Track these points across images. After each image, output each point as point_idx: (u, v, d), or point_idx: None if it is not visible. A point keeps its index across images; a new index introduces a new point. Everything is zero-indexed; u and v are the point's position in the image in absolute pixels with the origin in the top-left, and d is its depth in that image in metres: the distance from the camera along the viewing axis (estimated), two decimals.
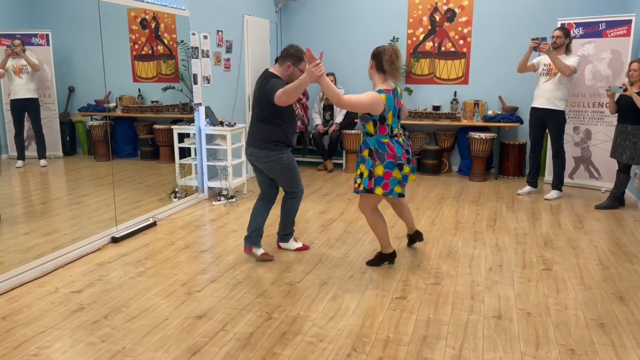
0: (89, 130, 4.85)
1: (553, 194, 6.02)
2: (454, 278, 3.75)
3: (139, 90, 5.43)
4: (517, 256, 4.18)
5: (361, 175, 3.68)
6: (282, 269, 3.90)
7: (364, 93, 3.49)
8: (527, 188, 6.25)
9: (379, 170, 3.57)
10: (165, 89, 5.69)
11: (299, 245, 4.32)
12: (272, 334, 2.95)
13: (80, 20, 4.51)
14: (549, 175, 6.63)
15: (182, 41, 5.61)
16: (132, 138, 5.63)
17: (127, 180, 5.27)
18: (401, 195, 3.66)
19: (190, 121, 5.81)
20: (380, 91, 3.50)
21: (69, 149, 4.74)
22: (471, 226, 4.97)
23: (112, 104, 4.95)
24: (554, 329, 3.01)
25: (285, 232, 4.30)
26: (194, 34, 5.69)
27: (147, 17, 5.28)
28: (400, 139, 3.66)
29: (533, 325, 3.06)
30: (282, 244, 4.34)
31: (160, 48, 5.54)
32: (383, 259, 3.97)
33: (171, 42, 5.60)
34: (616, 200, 5.59)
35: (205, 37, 5.90)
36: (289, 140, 3.93)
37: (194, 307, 3.29)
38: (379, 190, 3.59)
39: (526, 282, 3.68)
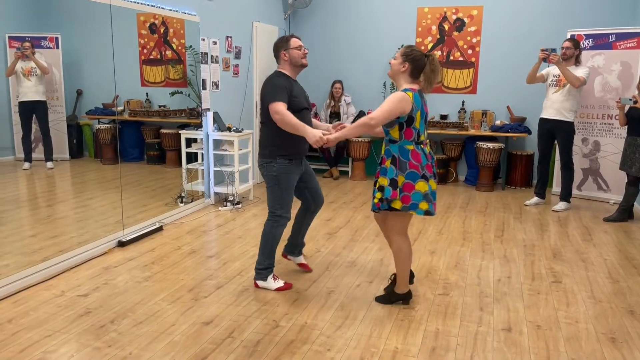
0: (96, 133, 4.85)
1: (561, 205, 5.99)
2: (463, 289, 3.71)
3: (147, 94, 5.42)
4: (525, 268, 4.15)
5: (381, 189, 3.21)
6: (289, 277, 3.87)
7: (386, 100, 3.11)
8: (535, 199, 6.22)
9: (400, 181, 3.15)
10: (172, 94, 5.68)
11: (280, 284, 3.63)
12: (279, 342, 2.92)
13: (90, 23, 4.52)
14: (556, 187, 6.60)
15: (190, 46, 5.62)
16: (139, 142, 5.62)
17: (134, 184, 5.25)
18: (428, 213, 3.18)
19: (198, 126, 5.81)
20: (406, 90, 3.13)
21: (76, 151, 4.74)
22: (479, 236, 4.94)
23: (120, 108, 4.94)
24: (565, 343, 2.98)
25: (259, 265, 3.64)
26: (203, 40, 5.70)
27: (156, 21, 5.28)
28: (427, 149, 3.24)
29: (543, 339, 3.02)
30: (258, 282, 3.67)
31: (169, 53, 5.54)
32: (396, 298, 3.43)
33: (180, 47, 5.60)
34: (625, 212, 5.55)
35: (215, 42, 5.91)
36: (288, 149, 3.47)
37: (200, 313, 3.27)
38: (397, 204, 3.15)
39: (535, 295, 3.64)
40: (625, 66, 6.11)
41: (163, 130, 5.71)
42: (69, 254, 4.06)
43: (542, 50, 5.71)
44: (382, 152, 3.30)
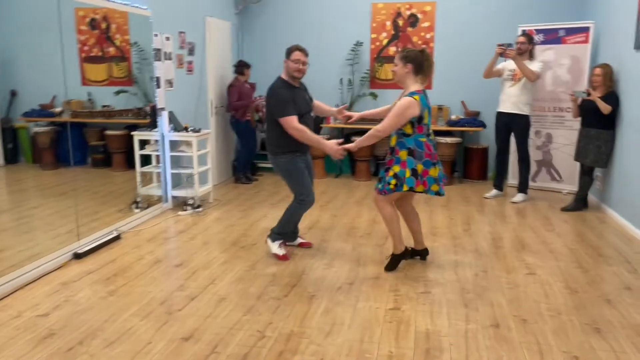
0: (34, 137, 4.48)
1: (519, 197, 6.11)
2: (443, 286, 3.68)
3: (89, 94, 5.08)
4: (499, 261, 4.17)
5: (395, 176, 3.66)
6: (266, 283, 3.70)
7: (394, 110, 3.56)
8: (494, 192, 6.32)
9: (420, 169, 3.62)
10: (117, 93, 5.36)
11: (281, 252, 4.16)
12: (268, 355, 2.76)
13: (23, 19, 4.16)
14: (512, 179, 6.75)
15: (135, 42, 5.30)
16: (81, 145, 5.26)
17: (80, 190, 4.91)
18: (438, 193, 3.69)
19: (147, 126, 5.47)
20: (412, 94, 3.55)
21: (11, 157, 4.36)
22: (447, 231, 4.94)
23: (59, 109, 4.60)
24: (553, 336, 2.98)
25: (275, 229, 4.20)
26: (156, 35, 5.40)
27: (97, 17, 4.95)
28: (434, 139, 3.77)
29: (532, 333, 3.02)
30: (268, 239, 4.24)
31: (112, 50, 5.21)
32: (397, 259, 3.93)
33: (123, 44, 5.28)
34: (580, 202, 5.73)
35: (168, 38, 5.62)
36: (293, 144, 3.88)
37: (177, 327, 3.05)
38: (420, 188, 3.64)
39: (514, 288, 3.65)
40: (574, 60, 6.31)
41: (108, 132, 5.36)
42: (21, 270, 3.71)
43: (499, 45, 5.79)
44: (393, 142, 3.71)
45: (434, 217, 5.44)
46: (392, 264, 3.92)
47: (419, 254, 4.16)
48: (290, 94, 3.83)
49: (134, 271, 3.91)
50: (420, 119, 3.58)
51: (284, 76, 3.93)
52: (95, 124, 5.25)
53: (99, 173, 5.38)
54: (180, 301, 3.40)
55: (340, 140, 3.86)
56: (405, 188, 3.64)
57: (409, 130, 3.62)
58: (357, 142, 3.73)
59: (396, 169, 3.67)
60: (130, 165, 5.49)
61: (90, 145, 5.29)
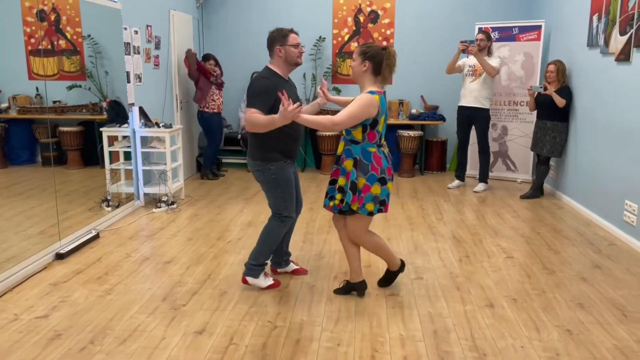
0: None
1: (480, 186, 6.44)
2: (433, 271, 3.86)
3: (37, 88, 4.88)
4: (477, 247, 4.41)
5: (341, 189, 3.18)
6: None
7: (352, 103, 3.05)
8: (456, 182, 6.62)
9: (360, 183, 3.13)
10: (70, 88, 5.18)
11: (270, 282, 3.53)
12: (286, 343, 2.83)
13: None
14: (470, 169, 7.09)
15: (89, 35, 5.12)
16: (29, 143, 5.05)
17: (37, 189, 4.73)
18: (371, 213, 3.18)
19: (110, 122, 5.31)
20: (372, 92, 3.06)
21: None
22: (423, 221, 5.15)
23: (4, 104, 4.42)
24: (544, 313, 3.22)
25: (253, 260, 3.48)
26: (125, 29, 5.26)
27: (45, 8, 4.76)
28: (386, 150, 3.24)
29: (524, 311, 3.25)
30: (248, 278, 3.52)
31: (62, 43, 5.03)
32: (395, 275, 3.55)
33: (75, 37, 5.10)
34: (537, 190, 6.11)
35: (136, 32, 5.49)
36: (284, 150, 3.33)
37: (187, 322, 3.05)
38: (354, 206, 3.15)
39: (498, 271, 3.89)
40: (527, 57, 6.70)
41: (62, 129, 5.16)
42: (5, 274, 3.56)
43: (462, 42, 6.06)
44: (341, 149, 3.21)
45: (405, 207, 5.65)
46: (387, 281, 3.57)
47: (354, 287, 3.44)
48: (274, 86, 3.20)
49: (124, 269, 3.84)
50: (374, 123, 3.07)
51: (273, 67, 3.35)
52: (45, 120, 5.05)
53: (53, 171, 5.19)
54: (182, 297, 3.39)
55: (288, 103, 2.92)
56: (343, 204, 3.17)
57: (358, 136, 3.10)
58: (307, 119, 2.99)
59: (341, 181, 3.17)
60: (87, 162, 5.31)
61: (41, 142, 5.08)
